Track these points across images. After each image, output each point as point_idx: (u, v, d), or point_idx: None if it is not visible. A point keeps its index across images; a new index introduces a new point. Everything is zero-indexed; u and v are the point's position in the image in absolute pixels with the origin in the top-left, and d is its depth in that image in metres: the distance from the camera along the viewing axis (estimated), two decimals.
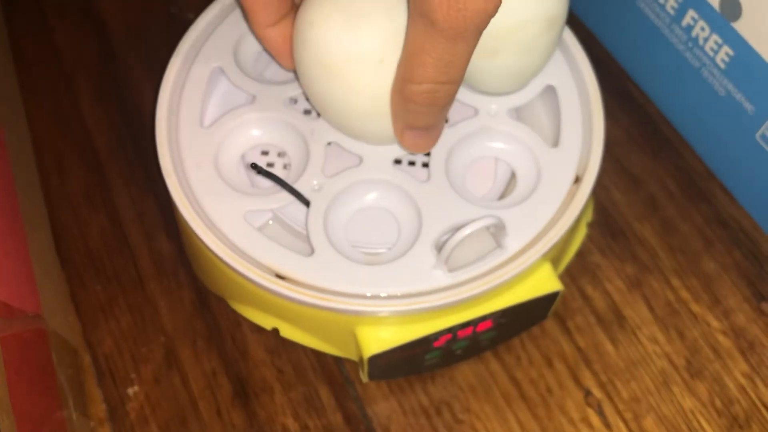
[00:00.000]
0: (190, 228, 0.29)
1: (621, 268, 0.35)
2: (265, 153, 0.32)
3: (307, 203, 0.29)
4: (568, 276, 0.35)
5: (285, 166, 0.31)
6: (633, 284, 0.35)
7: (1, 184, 0.29)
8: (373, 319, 0.28)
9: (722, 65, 0.33)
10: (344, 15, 0.27)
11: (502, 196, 0.31)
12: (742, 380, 0.33)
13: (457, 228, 0.28)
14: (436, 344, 0.29)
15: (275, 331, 0.31)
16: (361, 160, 0.30)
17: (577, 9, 0.41)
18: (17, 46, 0.42)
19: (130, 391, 0.33)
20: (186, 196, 0.29)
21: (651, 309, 0.34)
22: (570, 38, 0.32)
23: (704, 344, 0.33)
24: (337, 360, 0.33)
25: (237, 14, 0.33)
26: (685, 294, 0.35)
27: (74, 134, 0.39)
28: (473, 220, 0.27)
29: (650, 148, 0.38)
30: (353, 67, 0.27)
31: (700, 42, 0.34)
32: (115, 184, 0.37)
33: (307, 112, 0.32)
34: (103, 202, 0.37)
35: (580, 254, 0.35)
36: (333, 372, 0.33)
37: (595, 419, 0.32)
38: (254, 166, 0.29)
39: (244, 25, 0.33)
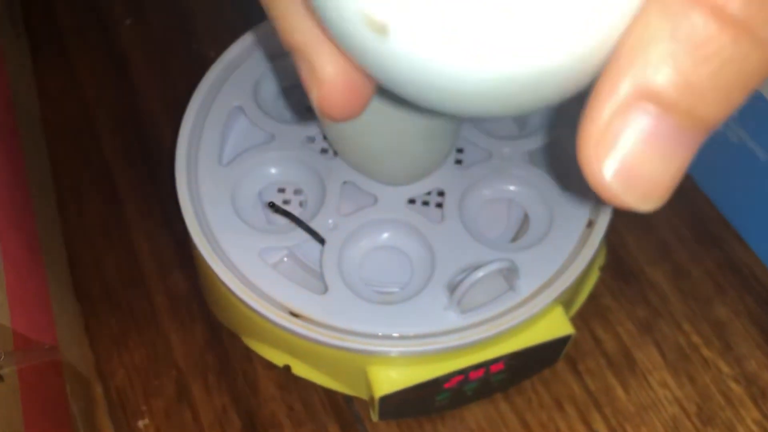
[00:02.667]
0: (206, 264, 0.29)
1: (632, 311, 0.35)
2: (281, 190, 0.32)
3: (322, 241, 0.30)
4: (579, 318, 0.35)
5: (301, 204, 0.32)
6: (644, 328, 0.35)
7: (22, 216, 0.29)
8: (385, 359, 0.28)
9: (735, 113, 0.34)
10: None
11: (514, 238, 0.31)
12: (754, 428, 0.32)
13: (470, 269, 0.29)
14: (447, 385, 0.29)
15: (287, 368, 0.31)
16: (376, 199, 0.31)
17: None
18: (41, 80, 0.43)
19: (141, 423, 0.33)
20: (203, 233, 0.29)
21: (662, 353, 0.34)
22: None
23: (716, 391, 0.33)
24: (347, 398, 0.33)
25: (258, 54, 0.34)
26: (696, 339, 0.34)
27: (93, 168, 0.40)
28: (486, 262, 0.28)
29: None
30: (370, 110, 0.28)
31: None
32: (132, 218, 0.38)
33: (324, 150, 0.32)
34: (120, 236, 0.37)
35: (592, 297, 0.35)
36: (343, 410, 0.33)
37: None
38: (271, 205, 0.29)
39: (264, 65, 0.34)
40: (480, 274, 0.27)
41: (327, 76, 0.17)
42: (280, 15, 0.18)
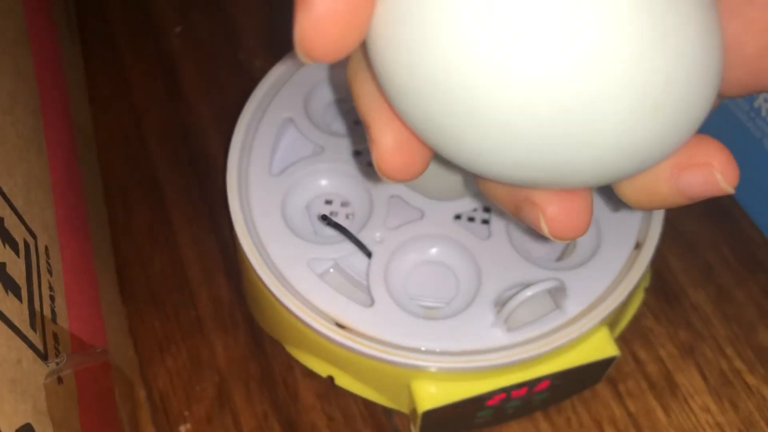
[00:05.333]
0: (254, 272, 0.29)
1: (674, 334, 0.35)
2: (329, 202, 0.33)
3: (369, 254, 0.30)
4: (621, 339, 0.35)
5: (348, 216, 0.32)
6: (686, 351, 0.34)
7: (79, 222, 0.30)
8: (428, 374, 0.28)
9: None
10: None
11: (560, 257, 0.31)
12: None
13: (516, 287, 0.29)
14: (490, 402, 0.29)
15: (330, 378, 0.31)
16: (422, 214, 0.31)
17: None
18: (93, 82, 0.43)
19: (183, 428, 0.33)
20: (253, 242, 0.30)
21: (704, 377, 0.34)
22: None
23: (759, 418, 0.33)
24: (387, 410, 0.33)
25: (309, 67, 0.34)
26: (739, 364, 0.34)
27: (141, 171, 0.40)
28: (533, 281, 0.28)
29: (708, 216, 0.38)
30: None
31: (763, 113, 0.34)
32: (178, 222, 0.39)
33: (370, 164, 0.33)
34: (166, 240, 0.38)
35: (635, 318, 0.35)
36: (382, 422, 0.33)
37: None
38: (324, 218, 0.30)
39: (314, 78, 0.34)
40: (529, 293, 0.27)
41: (386, 144, 0.18)
42: (352, 77, 0.19)
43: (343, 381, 0.31)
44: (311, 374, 0.33)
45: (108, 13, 0.47)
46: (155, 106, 0.43)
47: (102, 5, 0.47)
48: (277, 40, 0.45)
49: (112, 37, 0.46)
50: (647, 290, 0.35)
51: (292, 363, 0.34)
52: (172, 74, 0.44)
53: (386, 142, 0.18)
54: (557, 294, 0.28)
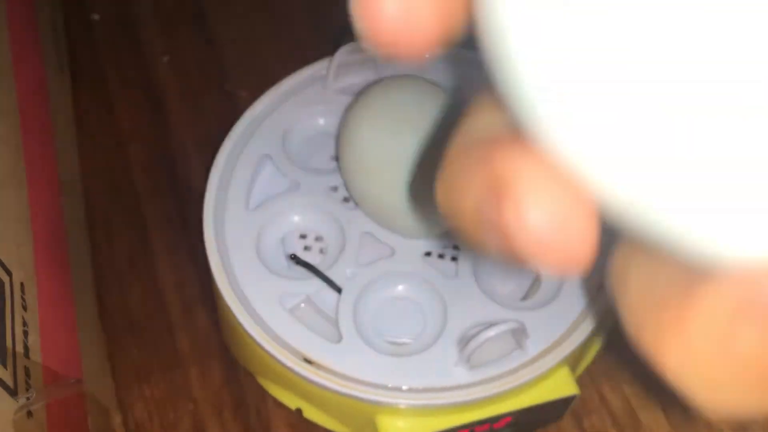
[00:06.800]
0: (226, 305, 0.30)
1: (640, 372, 0.36)
2: (303, 236, 0.33)
3: (339, 290, 0.31)
4: (587, 375, 0.35)
5: (321, 251, 0.33)
6: (651, 390, 0.35)
7: (57, 250, 0.31)
8: (394, 410, 0.29)
9: None
10: (390, 120, 0.29)
11: (524, 296, 0.32)
12: None
13: (480, 325, 0.30)
14: None
15: (299, 411, 0.32)
16: (393, 251, 0.32)
17: None
18: (79, 112, 0.44)
19: None
20: (226, 274, 0.31)
21: (667, 416, 0.35)
22: None
23: None
24: None
25: (289, 103, 0.35)
26: None
27: (124, 200, 0.41)
28: (497, 320, 0.29)
29: None
30: (391, 167, 0.29)
31: None
32: (159, 251, 0.39)
33: (345, 200, 0.34)
34: (146, 268, 0.39)
35: (600, 354, 0.36)
36: None
37: None
38: (293, 257, 0.31)
39: (293, 114, 0.35)
40: (491, 333, 0.28)
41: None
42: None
43: (311, 414, 0.32)
44: (283, 404, 0.34)
45: (96, 39, 0.48)
46: (141, 135, 0.44)
47: (92, 32, 0.48)
48: (263, 72, 0.46)
49: (100, 65, 0.47)
50: (611, 329, 0.36)
51: (265, 393, 0.35)
52: (159, 104, 0.45)
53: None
54: (519, 334, 0.29)
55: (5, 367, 0.21)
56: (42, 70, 0.38)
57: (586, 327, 0.30)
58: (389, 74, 0.34)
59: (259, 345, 0.30)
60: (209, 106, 0.45)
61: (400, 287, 0.31)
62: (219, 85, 0.46)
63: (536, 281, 0.32)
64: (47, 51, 0.40)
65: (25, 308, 0.24)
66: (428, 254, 0.32)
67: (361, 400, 0.29)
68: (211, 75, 0.46)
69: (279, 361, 0.29)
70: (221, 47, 0.47)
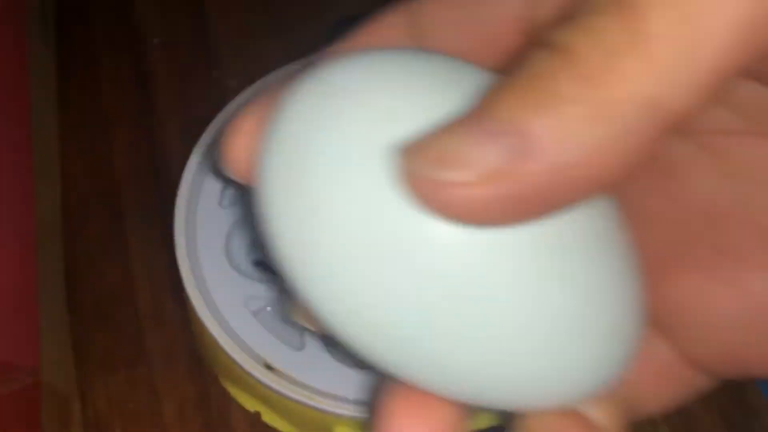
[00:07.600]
0: (192, 305, 0.30)
1: None
2: None
3: None
4: None
5: None
6: None
7: (22, 233, 0.30)
8: (351, 421, 0.28)
9: None
10: None
11: None
12: None
13: None
14: None
15: (257, 414, 0.32)
16: None
17: None
18: (64, 89, 0.44)
19: None
20: (192, 271, 0.30)
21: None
22: None
23: None
24: None
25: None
26: None
27: (102, 181, 0.41)
28: None
29: None
30: None
31: None
32: (132, 236, 0.39)
33: None
34: (118, 252, 0.38)
35: None
36: None
37: None
38: (259, 263, 0.30)
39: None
40: None
41: None
42: None
43: (270, 418, 0.32)
44: None
45: (88, 16, 0.47)
46: (124, 117, 0.43)
47: (87, 10, 0.47)
48: (254, 62, 0.45)
49: (91, 42, 0.46)
50: None
51: (227, 392, 0.34)
52: (146, 86, 0.44)
53: None
54: None
55: None
56: (24, 45, 0.37)
57: None
58: None
59: (220, 347, 0.29)
60: (194, 93, 0.44)
61: None
62: (207, 71, 0.45)
63: None
64: (32, 26, 0.39)
65: None
66: None
67: (320, 410, 0.28)
68: (201, 61, 0.45)
69: (239, 365, 0.29)
70: (215, 34, 0.46)
